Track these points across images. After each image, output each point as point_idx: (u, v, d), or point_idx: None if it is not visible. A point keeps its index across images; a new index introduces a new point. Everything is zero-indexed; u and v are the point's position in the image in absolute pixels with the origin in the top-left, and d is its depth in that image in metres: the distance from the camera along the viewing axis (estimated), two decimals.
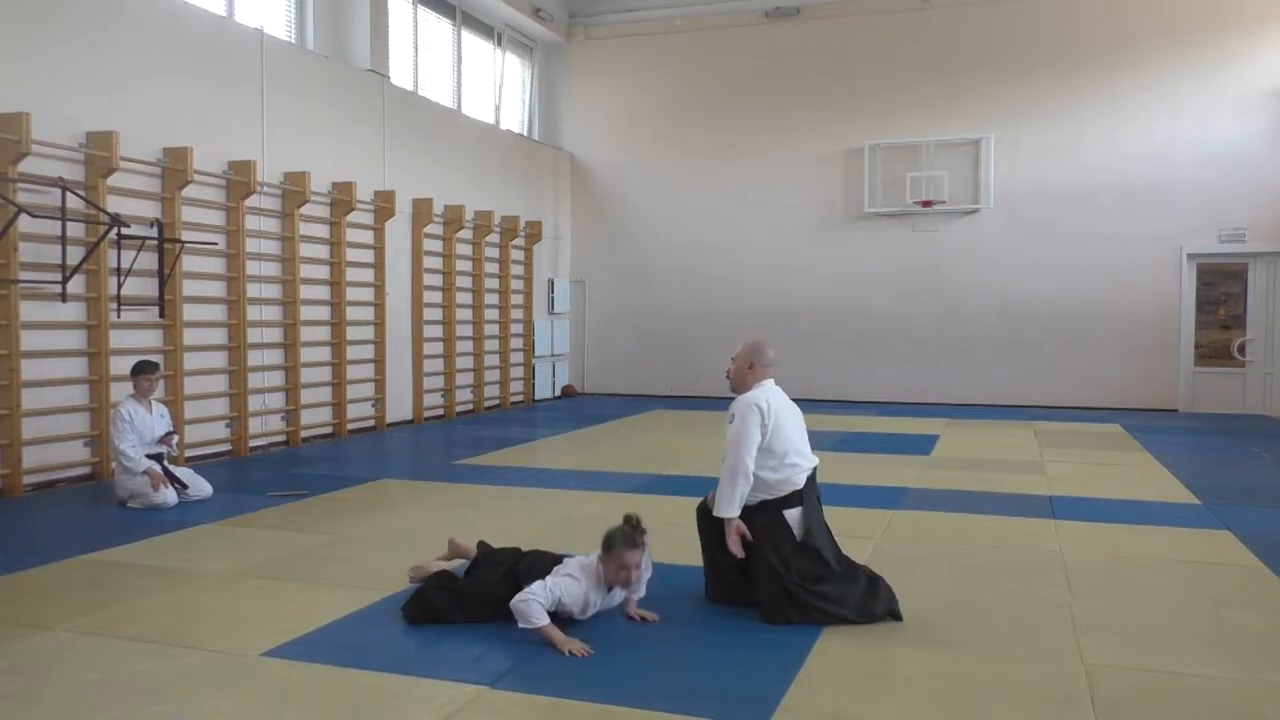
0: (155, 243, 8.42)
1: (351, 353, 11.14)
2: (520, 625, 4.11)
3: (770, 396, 4.53)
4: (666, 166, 16.07)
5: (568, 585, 4.24)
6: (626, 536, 4.23)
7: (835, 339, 15.09)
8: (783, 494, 4.45)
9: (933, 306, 14.82)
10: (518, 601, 4.14)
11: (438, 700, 3.54)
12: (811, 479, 4.55)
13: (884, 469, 8.64)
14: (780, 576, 4.37)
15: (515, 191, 14.87)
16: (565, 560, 4.42)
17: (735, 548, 4.42)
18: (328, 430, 10.85)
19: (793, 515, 4.46)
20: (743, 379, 4.64)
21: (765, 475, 4.42)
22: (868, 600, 4.43)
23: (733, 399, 4.62)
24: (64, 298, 7.71)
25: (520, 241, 14.88)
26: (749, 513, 4.46)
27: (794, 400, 4.71)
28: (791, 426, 4.53)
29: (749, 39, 15.69)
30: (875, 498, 7.26)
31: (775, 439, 4.42)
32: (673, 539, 5.99)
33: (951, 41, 14.71)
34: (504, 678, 3.74)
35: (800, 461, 4.49)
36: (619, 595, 4.45)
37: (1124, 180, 13.99)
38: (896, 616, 4.43)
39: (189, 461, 8.43)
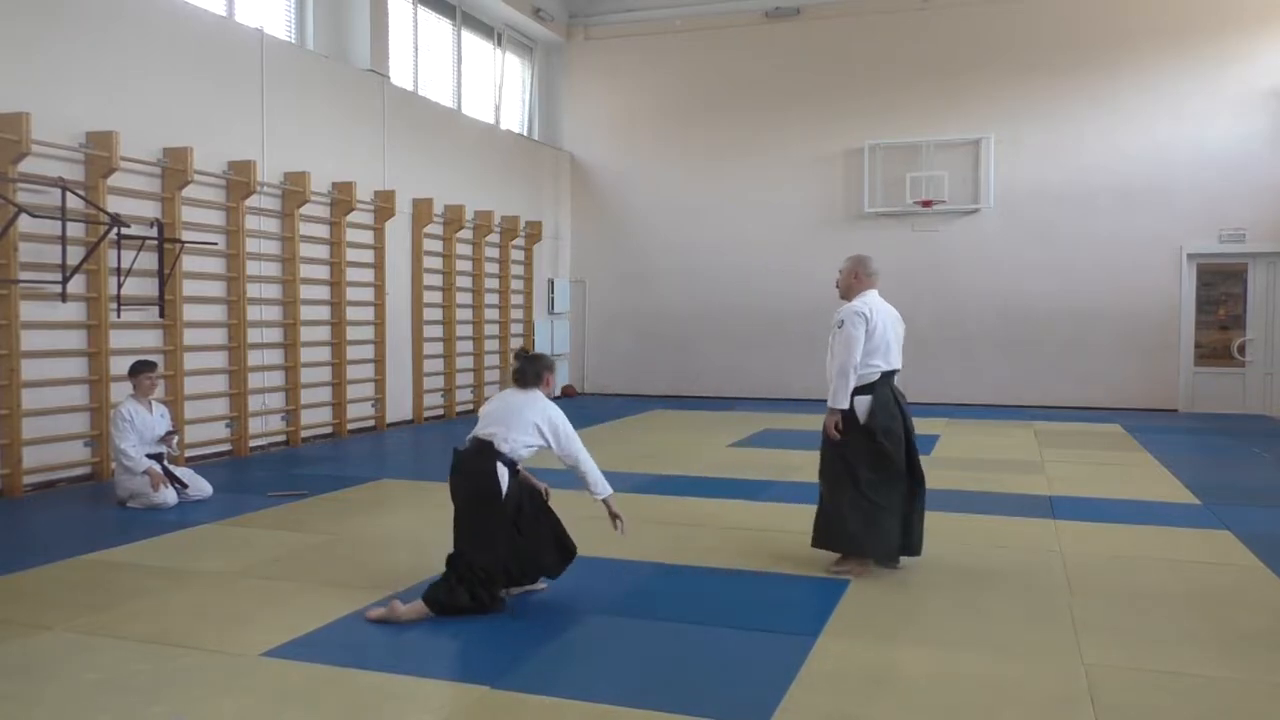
0: (155, 243, 8.42)
1: (351, 353, 11.14)
2: (604, 490, 4.77)
3: (874, 305, 5.24)
4: (666, 166, 16.07)
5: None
6: (544, 357, 4.96)
7: None
8: (856, 386, 5.16)
9: (933, 306, 14.79)
10: (593, 468, 4.76)
11: (438, 700, 3.54)
12: (888, 378, 5.25)
13: None
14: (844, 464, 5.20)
15: (515, 191, 14.87)
16: (537, 421, 4.68)
17: (833, 430, 5.18)
18: (328, 430, 10.85)
19: (861, 401, 5.17)
20: (850, 287, 5.37)
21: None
22: (899, 527, 5.23)
23: (839, 307, 5.35)
24: (64, 298, 7.71)
25: (520, 241, 14.87)
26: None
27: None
28: (890, 333, 5.24)
29: (749, 39, 15.69)
30: None
31: (869, 341, 5.15)
32: (672, 539, 6.00)
33: (951, 41, 14.70)
34: (504, 678, 3.74)
35: (878, 363, 5.19)
36: None
37: (1124, 180, 13.99)
38: (913, 551, 5.31)
39: (189, 461, 8.43)
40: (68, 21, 7.84)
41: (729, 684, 3.72)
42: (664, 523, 6.46)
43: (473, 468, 4.62)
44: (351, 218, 11.02)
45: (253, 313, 9.68)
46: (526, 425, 4.66)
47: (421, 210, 12.32)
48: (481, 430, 4.68)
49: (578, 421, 4.96)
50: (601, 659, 4.00)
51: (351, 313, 11.14)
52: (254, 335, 9.69)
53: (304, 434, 10.37)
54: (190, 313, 8.99)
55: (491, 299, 14.10)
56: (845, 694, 3.61)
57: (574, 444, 4.75)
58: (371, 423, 11.54)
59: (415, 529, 6.33)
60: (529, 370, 4.86)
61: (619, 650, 4.11)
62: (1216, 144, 13.62)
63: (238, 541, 5.97)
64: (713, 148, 15.81)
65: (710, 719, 3.38)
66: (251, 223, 9.66)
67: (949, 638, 4.24)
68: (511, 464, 4.62)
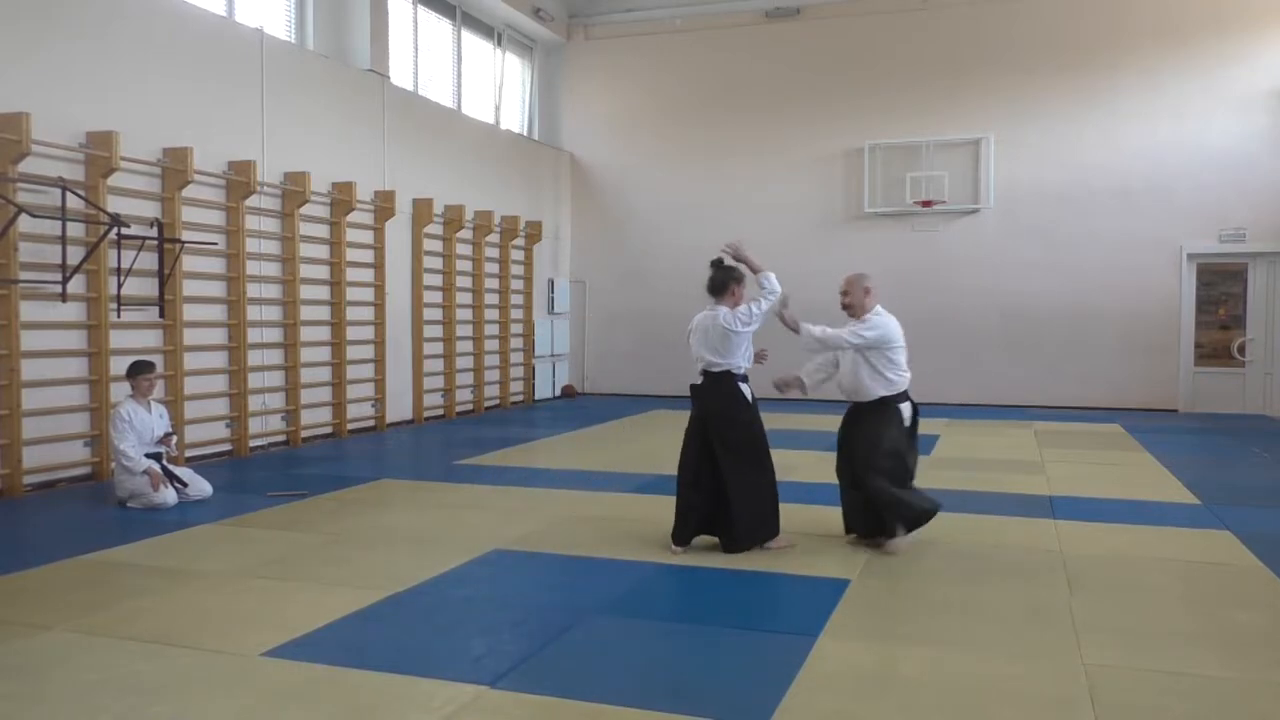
0: (155, 243, 8.42)
1: (351, 353, 11.14)
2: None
3: None
4: (666, 166, 16.07)
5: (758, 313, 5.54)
6: (733, 269, 5.60)
7: None
8: (901, 390, 5.77)
9: (933, 307, 14.76)
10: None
11: (438, 700, 3.53)
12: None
13: None
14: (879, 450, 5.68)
15: (515, 191, 14.87)
16: (745, 320, 5.54)
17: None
18: (328, 430, 10.84)
19: (905, 407, 5.76)
20: (863, 304, 5.79)
21: (893, 376, 5.71)
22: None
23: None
24: (64, 298, 7.71)
25: (520, 241, 14.87)
26: (895, 399, 5.74)
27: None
28: None
29: (749, 39, 15.68)
30: None
31: (904, 352, 5.78)
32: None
33: (951, 41, 14.70)
34: (504, 678, 3.74)
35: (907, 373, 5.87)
36: None
37: (1124, 180, 13.98)
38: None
39: (189, 461, 8.43)
40: (68, 22, 7.84)
41: (729, 684, 3.72)
42: (664, 523, 6.45)
43: (716, 398, 5.54)
44: (351, 218, 11.02)
45: (253, 313, 9.68)
46: (729, 342, 5.45)
47: (421, 210, 12.32)
48: (705, 366, 5.53)
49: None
50: (601, 659, 4.00)
51: (351, 313, 11.14)
52: (254, 335, 9.69)
53: (304, 434, 10.37)
54: (190, 313, 8.99)
55: (491, 299, 14.10)
56: (845, 694, 3.61)
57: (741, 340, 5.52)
58: (371, 423, 11.54)
59: (415, 529, 6.33)
60: (717, 279, 5.53)
61: (619, 650, 4.11)
62: (1216, 144, 13.61)
63: (238, 541, 5.98)
64: (713, 148, 15.80)
65: (710, 719, 3.38)
66: (251, 223, 9.66)
67: (949, 638, 4.24)
68: (744, 377, 5.57)
